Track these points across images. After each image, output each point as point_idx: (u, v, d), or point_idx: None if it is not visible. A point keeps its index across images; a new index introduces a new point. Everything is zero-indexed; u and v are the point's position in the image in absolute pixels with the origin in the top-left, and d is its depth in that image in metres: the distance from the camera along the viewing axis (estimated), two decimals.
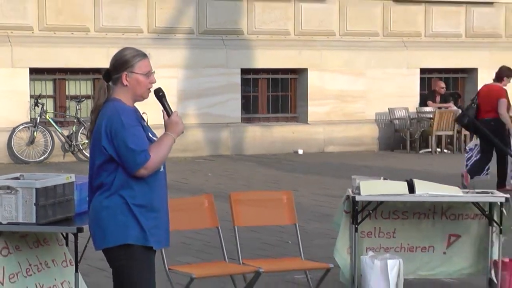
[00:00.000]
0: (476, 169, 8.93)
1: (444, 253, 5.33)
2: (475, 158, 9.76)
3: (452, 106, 12.26)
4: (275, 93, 12.40)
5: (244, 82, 11.94)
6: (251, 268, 4.42)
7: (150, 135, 2.86)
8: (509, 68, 9.62)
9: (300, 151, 12.16)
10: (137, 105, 2.67)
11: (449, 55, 12.75)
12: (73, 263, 3.77)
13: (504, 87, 9.31)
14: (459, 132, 12.33)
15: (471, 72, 13.15)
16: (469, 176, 8.86)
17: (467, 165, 9.39)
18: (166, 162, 3.04)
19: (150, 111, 3.05)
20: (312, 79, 12.06)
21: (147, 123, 2.87)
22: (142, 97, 2.85)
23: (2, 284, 3.64)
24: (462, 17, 12.75)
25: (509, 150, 9.00)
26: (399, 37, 12.62)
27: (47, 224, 3.55)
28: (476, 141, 10.04)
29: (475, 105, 9.35)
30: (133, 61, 2.83)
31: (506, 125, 9.13)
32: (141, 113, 2.85)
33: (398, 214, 5.28)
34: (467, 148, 10.16)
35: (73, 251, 3.62)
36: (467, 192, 5.34)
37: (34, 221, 3.49)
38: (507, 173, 9.20)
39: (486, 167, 9.26)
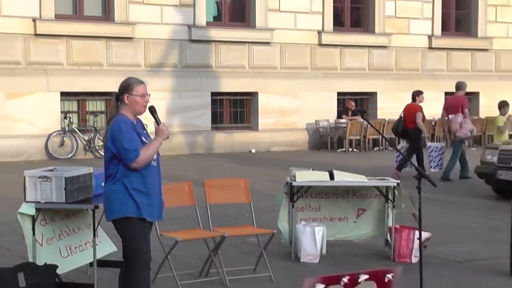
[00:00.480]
0: (401, 164, 10.72)
1: (355, 222, 6.43)
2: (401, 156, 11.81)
3: (359, 119, 15.00)
4: (235, 109, 15.10)
5: (213, 102, 14.49)
6: (219, 233, 5.18)
7: (144, 139, 3.60)
8: (418, 91, 11.95)
9: (253, 151, 14.76)
10: (142, 118, 3.56)
11: (357, 82, 15.69)
12: (93, 228, 4.55)
13: (420, 104, 11.51)
14: (364, 137, 15.25)
15: (372, 95, 16.21)
16: (398, 172, 10.65)
17: (396, 161, 11.37)
18: (160, 159, 3.88)
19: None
20: (261, 99, 14.80)
21: (146, 131, 3.75)
22: (139, 112, 3.63)
23: (42, 245, 4.51)
24: (365, 56, 15.72)
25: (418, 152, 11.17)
26: (322, 70, 15.36)
27: (73, 203, 4.41)
28: (403, 143, 12.72)
29: (403, 119, 11.59)
30: (132, 86, 3.57)
31: (422, 132, 11.40)
32: (144, 124, 3.77)
33: (322, 194, 6.33)
34: (398, 147, 12.39)
35: (92, 221, 4.50)
36: (371, 179, 6.41)
37: (63, 201, 4.29)
38: (423, 163, 11.10)
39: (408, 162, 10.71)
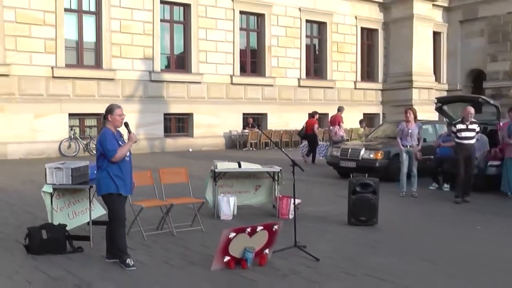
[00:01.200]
0: (308, 154, 15.11)
1: (254, 193, 8.24)
2: (306, 149, 15.79)
3: (255, 129, 19.16)
4: (179, 124, 19.63)
5: (165, 119, 18.95)
6: (169, 202, 6.52)
7: (120, 143, 4.88)
8: (314, 111, 16.28)
9: (190, 150, 18.84)
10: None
11: (255, 107, 20.97)
12: (89, 200, 5.90)
13: (316, 119, 15.67)
14: (259, 141, 19.77)
15: (264, 115, 21.42)
16: (305, 157, 14.90)
17: (301, 153, 15.32)
18: (132, 156, 5.20)
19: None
20: (195, 118, 19.48)
21: (123, 138, 5.04)
22: (118, 126, 4.88)
23: (56, 212, 5.83)
24: (260, 90, 20.82)
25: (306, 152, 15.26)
26: (233, 99, 20.20)
27: (76, 184, 5.71)
28: (304, 142, 16.07)
29: (304, 128, 15.67)
30: (113, 109, 4.85)
31: (317, 136, 15.14)
32: (121, 133, 5.03)
33: (234, 177, 8.09)
34: (300, 146, 16.35)
35: (88, 196, 5.97)
36: (263, 167, 8.18)
37: (70, 183, 5.63)
38: (316, 154, 15.31)
39: (312, 154, 15.28)
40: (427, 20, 24.87)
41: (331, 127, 16.17)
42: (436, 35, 26.66)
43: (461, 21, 26.92)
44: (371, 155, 12.31)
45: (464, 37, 27.05)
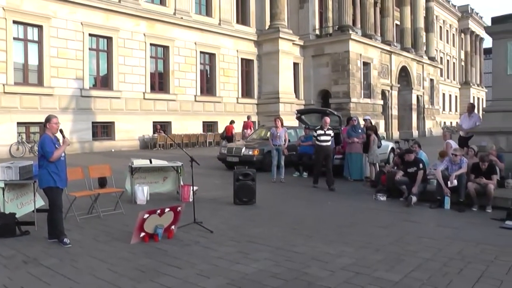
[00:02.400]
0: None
1: (162, 183, 9.17)
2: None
3: (163, 133, 22.32)
4: (104, 130, 22.50)
5: (93, 126, 21.67)
6: (96, 192, 7.33)
7: (56, 146, 5.47)
8: (232, 120, 19.75)
9: (113, 150, 21.49)
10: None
11: (163, 116, 24.10)
12: (33, 192, 6.40)
13: (233, 125, 19.23)
14: (166, 142, 23.00)
15: (169, 123, 24.70)
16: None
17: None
18: (66, 156, 5.85)
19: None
20: (117, 125, 22.49)
21: (59, 142, 5.56)
22: (55, 133, 5.41)
23: (8, 203, 6.35)
24: (165, 104, 24.14)
25: None
26: (146, 111, 23.22)
27: (23, 180, 6.21)
28: (225, 142, 18.05)
29: (225, 131, 18.86)
30: (51, 119, 5.52)
31: (234, 137, 17.17)
32: (57, 138, 5.59)
33: (147, 170, 8.95)
34: (221, 145, 17.09)
35: (32, 189, 6.42)
36: (170, 162, 9.06)
37: (18, 179, 6.12)
38: None
39: None
40: (289, 54, 30.70)
41: (244, 130, 19.75)
42: (295, 65, 32.48)
43: (313, 55, 33.42)
44: (250, 152, 14.01)
45: (315, 66, 33.44)
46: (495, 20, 11.33)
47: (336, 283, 4.57)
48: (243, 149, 14.25)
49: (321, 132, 10.79)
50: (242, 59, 30.00)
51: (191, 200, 7.84)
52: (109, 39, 22.93)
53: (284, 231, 6.62)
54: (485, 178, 8.84)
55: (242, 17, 30.96)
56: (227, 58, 28.87)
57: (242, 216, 7.68)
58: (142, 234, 5.78)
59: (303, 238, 6.27)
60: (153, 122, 24.32)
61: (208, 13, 28.47)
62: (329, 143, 11.00)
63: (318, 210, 8.53)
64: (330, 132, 10.96)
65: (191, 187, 7.81)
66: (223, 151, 14.79)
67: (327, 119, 10.97)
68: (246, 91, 30.39)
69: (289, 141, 12.56)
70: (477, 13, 73.92)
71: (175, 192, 9.22)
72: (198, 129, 25.82)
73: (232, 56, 29.15)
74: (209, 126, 27.12)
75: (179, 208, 6.05)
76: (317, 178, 11.03)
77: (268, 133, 14.17)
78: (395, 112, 39.55)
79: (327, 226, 7.10)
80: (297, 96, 32.25)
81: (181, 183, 8.96)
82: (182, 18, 26.13)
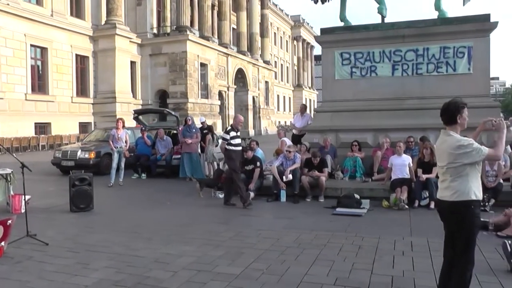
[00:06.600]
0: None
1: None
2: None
3: None
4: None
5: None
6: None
7: None
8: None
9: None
10: None
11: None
12: None
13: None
14: (1, 146, 23.93)
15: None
16: None
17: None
18: None
19: None
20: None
21: None
22: None
23: None
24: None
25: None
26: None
27: None
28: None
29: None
30: None
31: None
32: None
33: None
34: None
35: None
36: (4, 169, 8.41)
37: None
38: None
39: None
40: (126, 52, 30.11)
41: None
42: (133, 63, 32.06)
43: (150, 54, 33.40)
44: (86, 155, 13.70)
45: (153, 66, 33.45)
46: (324, 30, 12.59)
47: (179, 283, 4.62)
48: (79, 152, 13.88)
49: (234, 134, 9.17)
50: (77, 55, 28.57)
51: (23, 211, 7.37)
52: None
53: (124, 236, 6.50)
54: (317, 171, 9.69)
55: (77, 10, 29.41)
56: (61, 54, 27.19)
57: (79, 224, 7.42)
58: None
59: (144, 241, 6.22)
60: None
61: (39, 2, 26.60)
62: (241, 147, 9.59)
63: (157, 211, 8.54)
64: (239, 133, 9.57)
65: (23, 197, 7.23)
66: (57, 155, 14.30)
67: (241, 117, 9.83)
68: (82, 90, 28.98)
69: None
70: (308, 23, 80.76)
71: (4, 203, 8.53)
72: (29, 132, 23.86)
73: (66, 51, 27.56)
74: (41, 127, 25.25)
75: (10, 222, 5.57)
76: (231, 194, 9.14)
77: (106, 134, 14.01)
78: (232, 112, 41.16)
79: (167, 226, 7.13)
80: (134, 96, 31.87)
81: (11, 192, 8.39)
82: (8, 4, 23.95)
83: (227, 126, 13.00)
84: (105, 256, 5.52)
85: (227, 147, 9.07)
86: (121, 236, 6.53)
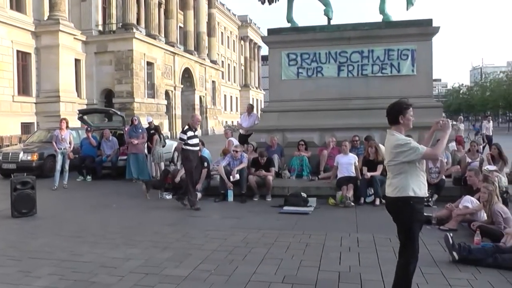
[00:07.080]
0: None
1: None
2: None
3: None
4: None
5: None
6: None
7: None
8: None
9: None
10: None
11: None
12: None
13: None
14: None
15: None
16: None
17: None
18: None
19: None
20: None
21: None
22: None
23: None
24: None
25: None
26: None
27: None
28: None
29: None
30: None
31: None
32: None
33: None
34: None
35: None
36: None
37: None
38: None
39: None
40: (70, 49, 29.06)
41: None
42: (77, 61, 31.08)
43: (95, 52, 32.52)
44: (29, 157, 13.42)
45: (98, 64, 32.62)
46: (271, 31, 12.66)
47: (126, 287, 4.56)
48: (21, 154, 13.68)
49: (192, 133, 8.84)
50: (18, 51, 27.13)
51: None
52: None
53: (68, 241, 6.35)
54: (264, 170, 9.76)
55: (17, 3, 27.90)
56: (1, 49, 25.80)
57: (21, 230, 7.17)
58: None
59: (89, 245, 6.10)
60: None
61: None
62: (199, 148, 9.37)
63: (103, 214, 8.40)
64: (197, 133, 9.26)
65: None
66: None
67: (198, 117, 9.45)
68: (23, 89, 27.60)
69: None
70: (255, 24, 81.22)
71: None
72: None
73: (6, 47, 26.13)
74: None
75: None
76: (187, 193, 8.91)
77: (49, 135, 13.64)
78: (178, 112, 41.04)
79: (113, 230, 7.03)
80: (79, 95, 31.01)
81: None
82: None
83: (183, 126, 12.27)
84: (48, 263, 5.35)
85: (184, 147, 8.78)
86: (65, 241, 6.38)
